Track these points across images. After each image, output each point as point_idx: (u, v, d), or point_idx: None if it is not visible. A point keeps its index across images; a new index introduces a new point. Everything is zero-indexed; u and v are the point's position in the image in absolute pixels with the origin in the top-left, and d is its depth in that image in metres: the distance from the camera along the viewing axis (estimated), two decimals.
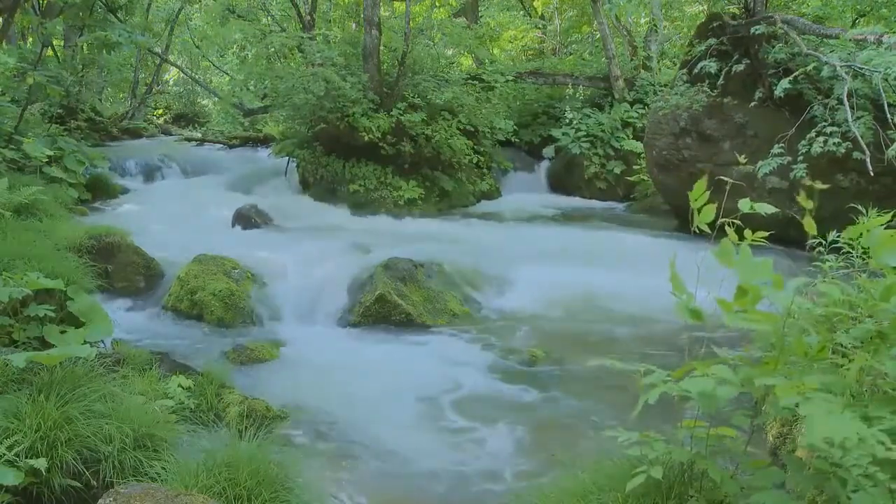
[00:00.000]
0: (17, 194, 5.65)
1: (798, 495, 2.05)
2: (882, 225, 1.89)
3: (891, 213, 2.47)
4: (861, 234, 1.92)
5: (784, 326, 1.75)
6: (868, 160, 6.32)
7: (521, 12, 18.17)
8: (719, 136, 8.03)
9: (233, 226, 8.38)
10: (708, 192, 1.97)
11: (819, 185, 1.76)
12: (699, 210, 1.95)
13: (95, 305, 4.16)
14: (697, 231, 1.97)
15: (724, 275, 1.85)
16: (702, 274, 1.95)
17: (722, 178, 2.20)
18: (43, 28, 8.26)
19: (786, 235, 4.64)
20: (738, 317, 1.70)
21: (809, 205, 1.72)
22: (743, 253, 1.75)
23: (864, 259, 3.75)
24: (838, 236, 3.89)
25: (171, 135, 17.47)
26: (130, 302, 5.67)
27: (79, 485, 2.57)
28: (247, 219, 8.40)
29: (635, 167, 11.09)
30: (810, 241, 2.11)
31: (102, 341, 4.18)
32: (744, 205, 1.93)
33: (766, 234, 1.94)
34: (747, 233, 1.90)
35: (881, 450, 1.41)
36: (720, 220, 1.95)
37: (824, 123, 6.86)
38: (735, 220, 1.90)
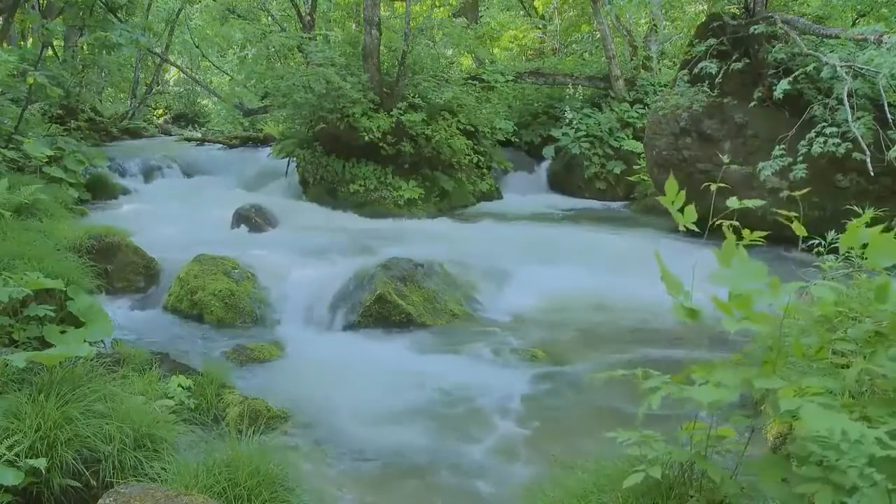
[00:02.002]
0: (17, 194, 5.66)
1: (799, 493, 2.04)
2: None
3: (887, 213, 2.46)
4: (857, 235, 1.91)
5: (782, 327, 1.74)
6: (868, 160, 6.32)
7: (522, 12, 18.17)
8: (719, 136, 8.02)
9: (233, 226, 8.37)
10: (712, 194, 1.97)
11: (799, 193, 1.76)
12: (681, 210, 1.95)
13: (95, 305, 4.17)
14: (685, 230, 1.97)
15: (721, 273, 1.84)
16: (698, 273, 1.94)
17: (725, 184, 2.20)
18: (44, 28, 8.26)
19: (785, 235, 4.64)
20: (737, 319, 1.69)
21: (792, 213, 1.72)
22: (738, 256, 1.75)
23: (863, 259, 3.76)
24: (837, 236, 3.89)
25: (171, 135, 17.46)
26: (130, 302, 5.68)
27: (78, 485, 2.57)
28: (247, 219, 8.40)
29: (635, 167, 11.09)
30: (803, 244, 2.11)
31: (102, 341, 4.19)
32: (732, 202, 1.93)
33: (764, 233, 1.94)
34: (745, 233, 1.89)
35: (877, 448, 1.41)
36: (716, 220, 1.94)
37: (824, 123, 6.86)
38: (732, 221, 1.90)
